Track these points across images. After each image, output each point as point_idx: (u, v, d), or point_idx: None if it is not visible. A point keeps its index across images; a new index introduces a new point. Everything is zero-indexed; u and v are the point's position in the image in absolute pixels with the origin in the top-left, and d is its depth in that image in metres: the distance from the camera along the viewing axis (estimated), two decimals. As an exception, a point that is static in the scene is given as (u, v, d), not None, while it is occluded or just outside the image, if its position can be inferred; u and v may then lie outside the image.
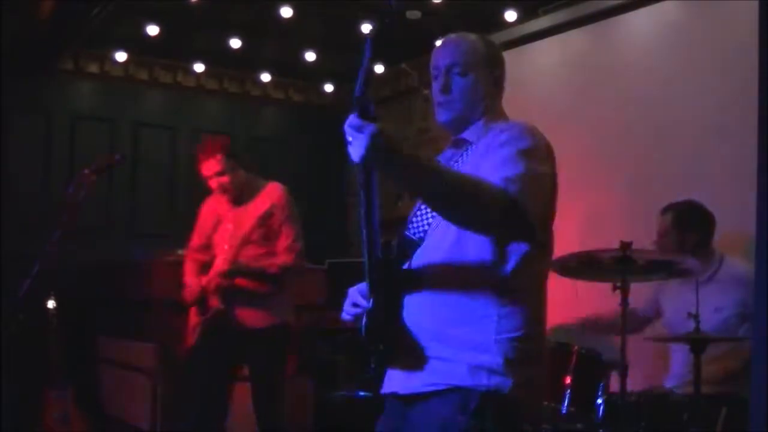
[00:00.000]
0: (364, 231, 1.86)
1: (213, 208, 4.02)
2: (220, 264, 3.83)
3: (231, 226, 3.89)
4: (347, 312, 2.04)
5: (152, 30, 5.64)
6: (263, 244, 3.84)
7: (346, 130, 1.67)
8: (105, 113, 6.36)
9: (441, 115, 2.11)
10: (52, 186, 5.93)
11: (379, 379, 2.00)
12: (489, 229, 1.88)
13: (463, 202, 1.81)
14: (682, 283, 3.61)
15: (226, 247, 3.85)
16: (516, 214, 1.83)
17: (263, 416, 3.91)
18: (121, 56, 6.19)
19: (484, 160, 1.94)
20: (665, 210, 3.80)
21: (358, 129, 1.65)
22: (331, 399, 5.02)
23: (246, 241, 3.74)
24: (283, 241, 3.86)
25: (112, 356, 5.59)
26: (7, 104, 5.73)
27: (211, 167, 3.84)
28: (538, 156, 1.92)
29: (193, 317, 3.91)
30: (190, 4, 5.23)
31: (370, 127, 1.65)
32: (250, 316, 3.83)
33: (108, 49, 6.12)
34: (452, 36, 2.16)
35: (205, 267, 3.98)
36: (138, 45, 6.03)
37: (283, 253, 3.86)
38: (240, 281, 3.81)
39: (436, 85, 2.11)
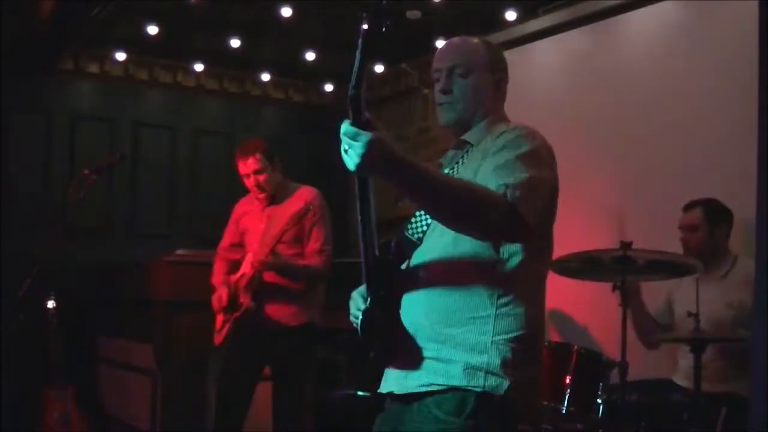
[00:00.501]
0: (361, 236, 1.87)
1: (246, 207, 4.07)
2: (249, 260, 3.83)
3: (263, 226, 3.93)
4: (354, 315, 2.05)
5: (152, 30, 5.64)
6: (293, 245, 3.87)
7: (341, 138, 1.66)
8: (105, 113, 6.35)
9: (443, 117, 2.12)
10: (52, 186, 5.93)
11: (378, 379, 2.00)
12: (487, 235, 1.89)
13: (461, 209, 1.81)
14: (693, 281, 3.62)
15: (256, 245, 3.87)
16: (514, 220, 1.82)
17: (282, 416, 3.89)
18: (121, 56, 6.19)
19: (484, 163, 1.94)
20: (692, 205, 3.81)
21: (354, 138, 1.64)
22: (331, 399, 5.02)
23: (278, 241, 3.76)
24: (313, 244, 3.90)
25: (112, 356, 5.59)
26: (7, 104, 5.73)
27: (249, 165, 3.91)
28: (537, 160, 1.92)
29: (221, 315, 3.90)
30: (190, 4, 5.24)
31: (366, 136, 1.63)
32: (280, 315, 3.84)
33: (108, 49, 6.12)
34: (455, 39, 2.17)
35: (234, 267, 3.99)
36: (138, 45, 6.03)
37: (312, 256, 3.89)
38: (270, 278, 3.82)
39: (438, 87, 2.12)
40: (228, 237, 4.12)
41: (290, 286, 3.85)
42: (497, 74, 2.14)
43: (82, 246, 5.43)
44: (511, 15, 5.29)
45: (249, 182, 3.96)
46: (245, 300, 3.79)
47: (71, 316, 4.99)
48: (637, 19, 4.74)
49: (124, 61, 6.26)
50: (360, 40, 1.64)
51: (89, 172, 3.87)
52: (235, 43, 5.88)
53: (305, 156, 6.69)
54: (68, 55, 6.07)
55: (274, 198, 3.99)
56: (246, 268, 3.84)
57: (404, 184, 1.76)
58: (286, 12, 5.28)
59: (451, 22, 5.21)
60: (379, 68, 6.38)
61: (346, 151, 1.67)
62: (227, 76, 6.73)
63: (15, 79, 5.63)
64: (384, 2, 1.64)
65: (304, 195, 3.96)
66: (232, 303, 3.84)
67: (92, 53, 6.18)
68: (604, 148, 4.81)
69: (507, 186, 1.83)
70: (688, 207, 3.82)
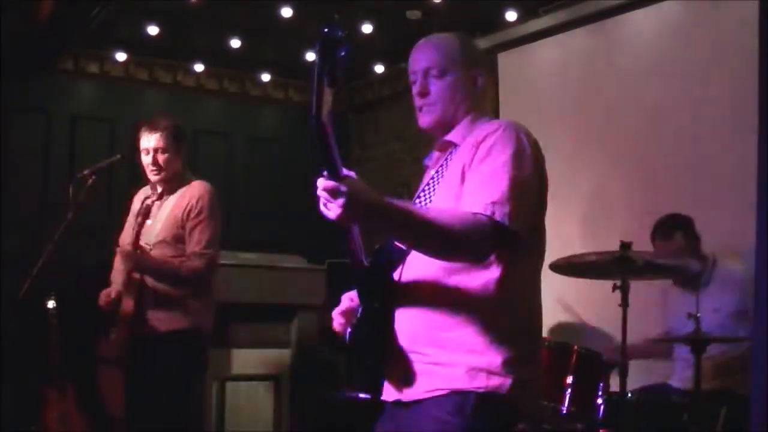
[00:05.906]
0: (348, 249, 1.88)
1: (142, 200, 3.74)
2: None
3: (151, 222, 3.67)
4: (337, 323, 2.05)
5: (152, 30, 5.64)
6: (174, 245, 3.61)
7: (319, 193, 1.68)
8: (105, 113, 6.35)
9: (422, 120, 2.09)
10: (52, 186, 5.93)
11: (375, 387, 1.99)
12: (478, 259, 1.89)
13: (446, 244, 1.82)
14: (683, 289, 3.66)
15: (147, 246, 3.64)
16: (504, 237, 1.83)
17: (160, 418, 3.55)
18: (121, 56, 6.19)
19: (470, 173, 1.92)
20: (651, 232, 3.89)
21: (332, 194, 1.66)
22: (331, 399, 5.02)
23: (160, 240, 3.54)
24: (194, 246, 3.59)
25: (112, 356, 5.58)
26: (7, 104, 5.73)
27: (153, 141, 3.66)
28: (522, 161, 1.90)
29: (108, 319, 3.71)
30: (190, 4, 5.24)
31: (343, 192, 1.65)
32: (163, 320, 3.58)
33: (108, 49, 6.12)
34: (429, 38, 2.14)
35: None
36: (138, 45, 6.03)
37: (193, 258, 3.59)
38: (150, 281, 3.58)
39: (414, 90, 2.09)
40: (125, 232, 3.81)
41: (171, 292, 3.57)
42: (474, 70, 2.09)
43: (82, 246, 5.41)
44: (511, 15, 5.28)
45: (146, 159, 3.67)
46: (129, 305, 3.57)
47: (71, 316, 4.98)
48: (637, 19, 4.74)
49: (124, 61, 6.25)
50: (318, 63, 1.66)
51: (89, 172, 3.86)
52: (235, 43, 5.88)
53: (305, 156, 6.69)
54: (68, 55, 6.07)
55: (169, 186, 3.71)
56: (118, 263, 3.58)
57: (385, 229, 1.82)
58: (286, 12, 5.28)
59: (451, 22, 5.21)
60: (379, 68, 6.38)
61: (325, 205, 1.69)
62: (227, 76, 6.73)
63: (15, 79, 5.63)
64: (339, 33, 1.67)
65: (192, 191, 3.67)
66: (116, 312, 3.63)
67: (92, 53, 6.17)
68: (604, 148, 4.82)
69: (494, 203, 1.82)
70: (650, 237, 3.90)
